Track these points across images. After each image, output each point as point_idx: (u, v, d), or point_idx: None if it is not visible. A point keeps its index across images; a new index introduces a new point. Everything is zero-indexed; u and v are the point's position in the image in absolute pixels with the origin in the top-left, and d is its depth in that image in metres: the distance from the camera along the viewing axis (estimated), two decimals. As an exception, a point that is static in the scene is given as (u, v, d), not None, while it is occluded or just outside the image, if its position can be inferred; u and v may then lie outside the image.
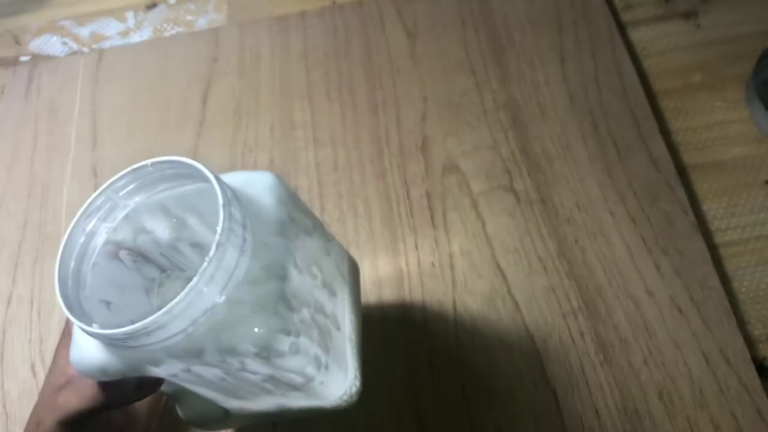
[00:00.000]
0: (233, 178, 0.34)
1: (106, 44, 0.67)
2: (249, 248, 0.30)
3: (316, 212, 0.55)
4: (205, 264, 0.27)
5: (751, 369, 0.45)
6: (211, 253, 0.27)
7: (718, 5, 0.61)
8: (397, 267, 0.52)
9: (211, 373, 0.32)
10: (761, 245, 0.50)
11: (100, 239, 0.33)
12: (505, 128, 0.57)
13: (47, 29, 0.69)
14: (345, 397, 0.37)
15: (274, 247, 0.31)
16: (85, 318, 0.30)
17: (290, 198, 0.34)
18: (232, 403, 0.38)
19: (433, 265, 0.51)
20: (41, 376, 0.51)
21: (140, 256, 0.36)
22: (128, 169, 0.31)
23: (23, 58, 0.68)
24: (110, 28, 0.69)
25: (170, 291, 0.36)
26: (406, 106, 0.59)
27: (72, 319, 0.29)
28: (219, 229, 0.28)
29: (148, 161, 0.31)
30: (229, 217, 0.29)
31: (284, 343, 0.30)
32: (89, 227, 0.33)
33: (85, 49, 0.67)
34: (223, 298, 0.28)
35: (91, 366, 0.31)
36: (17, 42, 0.69)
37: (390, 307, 0.50)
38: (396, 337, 0.49)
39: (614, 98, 0.57)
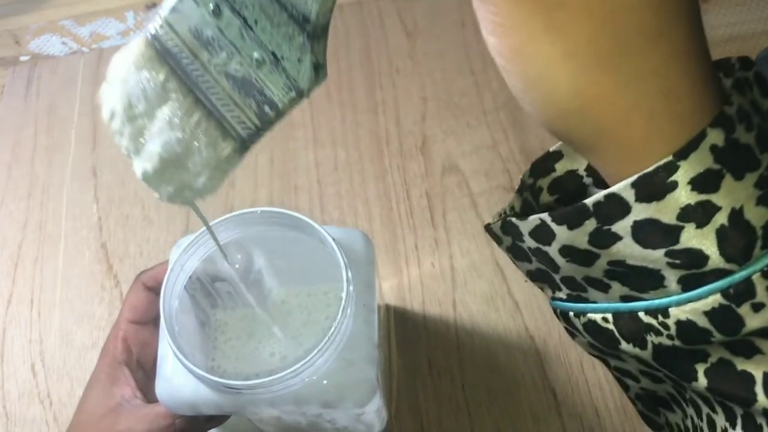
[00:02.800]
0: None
1: (106, 44, 0.67)
2: (354, 309, 0.32)
3: (317, 213, 0.55)
4: (333, 327, 0.29)
5: (751, 369, 0.45)
6: (338, 317, 0.30)
7: (717, 6, 0.61)
8: (397, 267, 0.52)
9: (293, 418, 0.34)
10: (760, 245, 0.50)
11: (186, 274, 0.33)
12: (504, 128, 0.57)
13: (47, 29, 0.69)
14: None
15: (370, 308, 0.33)
16: (193, 361, 0.30)
17: (374, 258, 0.36)
18: None
19: (432, 265, 0.51)
20: (41, 376, 0.51)
21: (199, 283, 0.36)
22: (236, 213, 0.33)
23: (23, 58, 0.68)
24: (110, 28, 0.69)
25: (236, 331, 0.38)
26: (405, 107, 0.59)
27: (194, 369, 0.30)
28: (344, 296, 0.30)
29: (257, 209, 0.32)
30: (350, 285, 0.31)
31: (376, 402, 0.33)
32: (186, 263, 0.33)
33: (85, 49, 0.68)
34: (336, 356, 0.31)
35: (182, 402, 0.32)
36: (17, 42, 0.69)
37: (390, 307, 0.50)
38: (396, 337, 0.49)
39: (614, 98, 0.57)
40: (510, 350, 0.47)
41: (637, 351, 0.21)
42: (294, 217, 0.32)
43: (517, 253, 0.23)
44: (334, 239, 0.32)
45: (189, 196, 0.22)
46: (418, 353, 0.48)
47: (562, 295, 0.23)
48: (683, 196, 0.18)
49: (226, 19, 0.19)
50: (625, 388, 0.26)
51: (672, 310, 0.19)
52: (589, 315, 0.22)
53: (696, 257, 0.18)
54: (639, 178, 0.18)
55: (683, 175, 0.18)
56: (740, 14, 0.60)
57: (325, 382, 0.30)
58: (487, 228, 0.24)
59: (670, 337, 0.20)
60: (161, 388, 0.32)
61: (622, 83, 0.18)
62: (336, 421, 0.35)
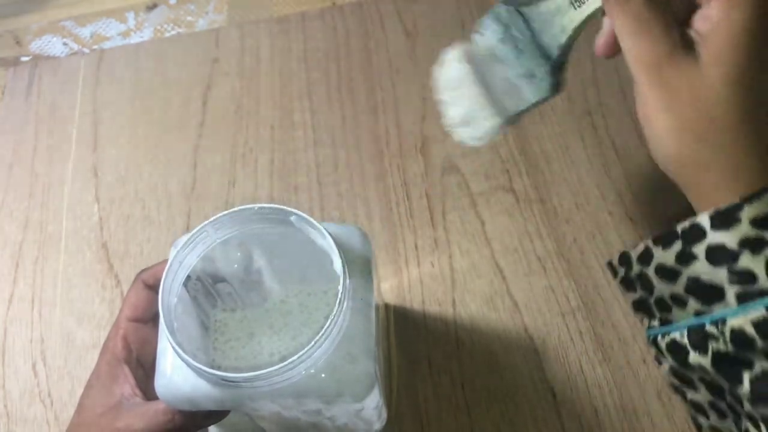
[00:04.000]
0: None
1: (107, 45, 0.68)
2: (352, 304, 0.32)
3: (317, 213, 0.55)
4: (330, 319, 0.30)
5: (749, 368, 0.45)
6: (335, 310, 0.30)
7: (716, 6, 0.61)
8: (397, 267, 0.52)
9: (293, 414, 0.34)
10: (759, 245, 0.50)
11: (185, 270, 0.34)
12: (504, 129, 0.57)
13: (48, 30, 0.70)
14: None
15: (368, 303, 0.33)
16: (191, 355, 0.30)
17: (372, 254, 0.36)
18: None
19: (432, 264, 0.52)
20: (42, 376, 0.51)
21: (201, 284, 0.36)
22: (233, 210, 0.33)
23: (24, 59, 0.68)
24: (111, 28, 0.69)
25: (233, 331, 0.38)
26: (405, 107, 0.59)
27: (192, 363, 0.30)
28: (340, 289, 0.31)
29: (254, 206, 0.33)
30: (347, 278, 0.31)
31: (375, 397, 0.33)
32: (185, 259, 0.33)
33: (86, 50, 0.68)
34: (334, 349, 0.31)
35: (181, 397, 0.32)
36: (18, 42, 0.69)
37: (389, 307, 0.50)
38: (395, 337, 0.49)
39: (613, 99, 0.57)
40: (509, 350, 0.47)
41: (700, 360, 0.27)
42: (291, 213, 0.32)
43: (627, 284, 0.31)
44: (331, 234, 0.32)
45: (470, 142, 0.36)
46: (418, 353, 0.48)
47: (655, 323, 0.30)
48: (744, 229, 0.25)
49: (508, 47, 0.33)
50: (698, 427, 0.32)
51: (729, 320, 0.26)
52: (672, 334, 0.29)
53: (749, 277, 0.25)
54: (714, 212, 0.26)
55: (746, 214, 0.25)
56: (739, 15, 0.60)
57: (323, 375, 0.31)
58: (608, 263, 0.33)
59: (725, 342, 0.26)
60: (160, 383, 0.32)
61: (708, 152, 0.27)
62: (336, 419, 0.35)
